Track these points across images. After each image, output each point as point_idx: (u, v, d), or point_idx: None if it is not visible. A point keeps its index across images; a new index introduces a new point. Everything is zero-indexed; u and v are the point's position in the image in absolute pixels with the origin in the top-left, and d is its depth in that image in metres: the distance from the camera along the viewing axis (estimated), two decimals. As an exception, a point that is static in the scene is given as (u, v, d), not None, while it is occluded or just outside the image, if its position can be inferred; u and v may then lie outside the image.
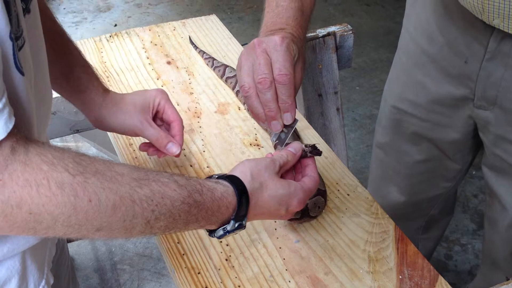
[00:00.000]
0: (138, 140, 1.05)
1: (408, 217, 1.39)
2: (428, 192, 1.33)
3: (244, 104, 1.12)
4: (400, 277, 0.81)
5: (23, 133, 0.52)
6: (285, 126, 0.80)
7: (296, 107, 0.81)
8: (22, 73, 0.54)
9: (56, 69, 0.83)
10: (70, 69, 0.85)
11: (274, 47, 0.76)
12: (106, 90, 0.89)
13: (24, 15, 0.61)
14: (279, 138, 0.81)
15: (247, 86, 0.76)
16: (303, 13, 0.87)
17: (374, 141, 1.37)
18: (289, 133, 0.81)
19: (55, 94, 1.27)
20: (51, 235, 0.54)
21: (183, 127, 0.91)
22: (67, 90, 0.87)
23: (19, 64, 0.53)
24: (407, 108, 1.20)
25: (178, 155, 0.90)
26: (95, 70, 0.90)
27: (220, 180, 0.68)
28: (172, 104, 0.91)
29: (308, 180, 0.75)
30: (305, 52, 0.85)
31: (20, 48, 0.55)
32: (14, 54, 0.53)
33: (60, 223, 0.53)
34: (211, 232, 0.70)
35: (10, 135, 0.50)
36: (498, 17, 0.90)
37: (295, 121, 0.81)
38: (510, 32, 0.91)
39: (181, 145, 0.89)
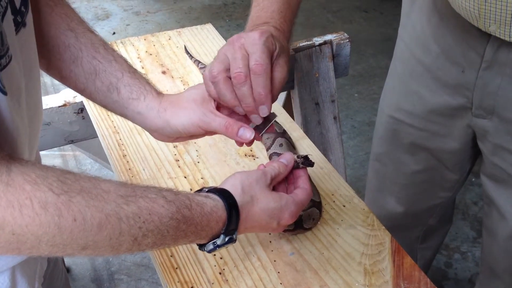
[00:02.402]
0: (132, 152, 1.04)
1: (407, 227, 1.38)
2: (426, 202, 1.32)
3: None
4: (397, 290, 0.80)
5: (5, 153, 0.51)
6: (263, 118, 0.78)
7: (275, 100, 0.78)
8: (4, 93, 0.53)
9: (105, 81, 0.79)
10: (119, 77, 0.80)
11: (252, 42, 0.74)
12: (160, 93, 0.81)
13: (20, 29, 0.60)
14: (257, 127, 0.80)
15: (216, 71, 0.74)
16: (290, 6, 0.86)
17: (371, 152, 1.36)
18: (267, 125, 0.79)
19: (50, 104, 1.27)
20: (36, 254, 0.53)
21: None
22: (120, 102, 0.80)
23: (1, 84, 0.52)
24: (404, 118, 1.19)
25: (259, 138, 0.80)
26: (143, 74, 0.84)
27: (210, 194, 0.67)
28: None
29: (300, 192, 0.74)
30: (289, 46, 0.83)
31: (3, 67, 0.54)
32: None
33: (44, 243, 0.52)
34: (201, 246, 0.69)
35: None
36: (494, 23, 0.89)
37: (273, 114, 0.79)
38: (506, 39, 0.90)
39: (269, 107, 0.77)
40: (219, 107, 0.80)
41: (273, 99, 0.77)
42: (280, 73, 0.77)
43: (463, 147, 1.15)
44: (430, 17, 1.06)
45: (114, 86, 0.79)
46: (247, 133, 0.76)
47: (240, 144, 0.80)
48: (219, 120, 0.76)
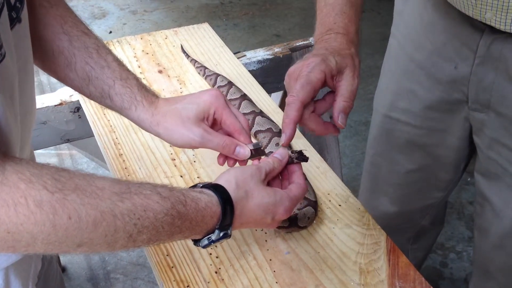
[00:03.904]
0: (128, 151, 1.04)
1: (399, 228, 1.38)
2: (419, 202, 1.32)
3: None
4: (392, 289, 0.80)
5: None
6: (255, 150, 0.81)
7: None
8: None
9: (98, 88, 0.79)
10: (111, 85, 0.79)
11: (299, 76, 0.79)
12: (152, 103, 0.80)
13: (15, 25, 0.60)
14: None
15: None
16: (352, 5, 0.88)
17: (366, 152, 1.36)
18: (256, 155, 0.81)
19: (46, 103, 1.27)
20: (31, 252, 0.53)
21: (247, 132, 0.81)
22: (114, 108, 0.81)
23: None
24: (399, 116, 1.19)
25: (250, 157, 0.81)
26: (138, 79, 0.82)
27: (204, 190, 0.67)
28: (229, 109, 0.80)
29: (294, 188, 0.74)
30: (358, 46, 0.86)
31: None
32: None
33: (39, 241, 0.52)
34: (196, 242, 0.69)
35: None
36: (490, 10, 0.88)
37: (262, 151, 0.82)
38: (501, 28, 0.89)
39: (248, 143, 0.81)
40: (213, 122, 0.81)
41: (346, 105, 0.80)
42: (347, 85, 0.80)
43: (461, 142, 1.15)
44: (422, 14, 1.07)
45: (106, 93, 0.80)
46: (243, 150, 0.80)
47: (233, 163, 0.82)
48: (216, 140, 0.78)
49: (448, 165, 1.22)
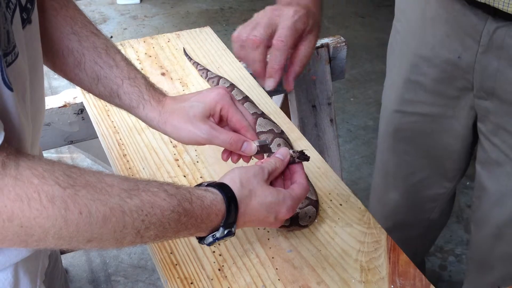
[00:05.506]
0: (132, 152, 1.05)
1: (409, 224, 1.40)
2: (429, 192, 1.34)
3: None
4: (392, 286, 0.81)
5: (13, 147, 0.53)
6: (261, 147, 0.81)
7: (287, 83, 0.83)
8: (10, 89, 0.54)
9: (107, 87, 0.80)
10: (119, 84, 0.81)
11: (285, 17, 0.80)
12: (160, 102, 0.81)
13: (25, 25, 0.62)
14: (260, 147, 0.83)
15: (244, 36, 0.81)
16: None
17: (377, 150, 1.40)
18: (260, 152, 0.82)
19: (50, 105, 1.28)
20: (43, 247, 0.55)
21: (254, 129, 0.82)
22: (123, 106, 0.83)
23: (7, 80, 0.54)
24: (407, 108, 1.22)
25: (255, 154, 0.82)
26: (146, 78, 0.83)
27: (209, 188, 0.69)
28: (235, 107, 0.81)
29: (297, 187, 0.76)
30: (320, 25, 0.87)
31: (10, 64, 0.55)
32: (1, 71, 0.53)
33: (51, 235, 0.53)
34: (200, 239, 0.71)
35: (0, 149, 0.51)
36: None
37: (269, 148, 0.82)
38: (508, 11, 0.92)
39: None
40: (220, 120, 0.82)
41: (299, 71, 0.83)
42: (307, 48, 0.83)
43: (465, 131, 1.18)
44: (425, 9, 1.10)
45: (115, 92, 0.81)
46: (250, 147, 0.80)
47: (237, 159, 0.83)
48: (222, 137, 0.79)
49: (454, 153, 1.24)
